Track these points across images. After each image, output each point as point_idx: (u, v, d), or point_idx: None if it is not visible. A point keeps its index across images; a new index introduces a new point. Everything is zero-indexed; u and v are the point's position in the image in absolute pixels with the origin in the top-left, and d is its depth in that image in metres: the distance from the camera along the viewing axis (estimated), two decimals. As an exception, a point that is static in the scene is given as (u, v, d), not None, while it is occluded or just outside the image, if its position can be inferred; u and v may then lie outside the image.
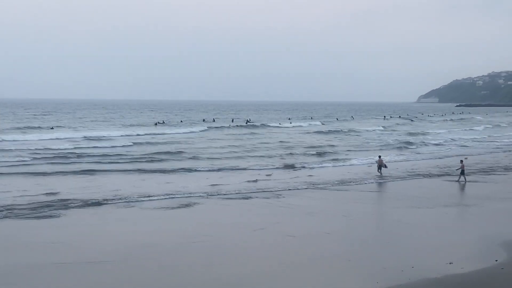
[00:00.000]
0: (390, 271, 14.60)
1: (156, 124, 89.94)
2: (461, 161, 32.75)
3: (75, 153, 43.58)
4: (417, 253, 16.49)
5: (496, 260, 15.49)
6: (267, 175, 33.57)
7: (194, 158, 42.35)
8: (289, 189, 28.32)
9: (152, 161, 40.26)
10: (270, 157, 43.93)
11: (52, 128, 73.93)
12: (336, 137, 67.75)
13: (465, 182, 30.94)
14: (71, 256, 15.94)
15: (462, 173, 31.50)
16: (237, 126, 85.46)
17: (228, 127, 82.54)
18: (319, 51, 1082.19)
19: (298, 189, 28.62)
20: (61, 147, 47.47)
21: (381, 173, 33.86)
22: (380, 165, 34.46)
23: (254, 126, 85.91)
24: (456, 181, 31.37)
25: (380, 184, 30.99)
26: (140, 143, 53.27)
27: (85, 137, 59.16)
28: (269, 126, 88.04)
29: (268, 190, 27.97)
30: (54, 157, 41.09)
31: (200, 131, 74.74)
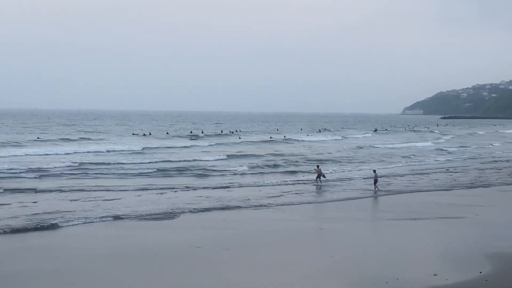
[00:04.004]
0: (375, 283, 14.59)
1: (137, 134, 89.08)
2: (374, 171, 34.17)
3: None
4: (402, 265, 16.52)
5: (480, 272, 15.56)
6: None
7: None
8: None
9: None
10: None
11: (38, 138, 71.61)
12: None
13: (376, 191, 31.80)
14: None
15: (375, 182, 32.65)
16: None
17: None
18: (299, 61, 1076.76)
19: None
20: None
21: (320, 183, 34.17)
22: (319, 174, 34.68)
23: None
24: (372, 190, 32.15)
25: (367, 197, 31.09)
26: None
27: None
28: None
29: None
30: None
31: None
